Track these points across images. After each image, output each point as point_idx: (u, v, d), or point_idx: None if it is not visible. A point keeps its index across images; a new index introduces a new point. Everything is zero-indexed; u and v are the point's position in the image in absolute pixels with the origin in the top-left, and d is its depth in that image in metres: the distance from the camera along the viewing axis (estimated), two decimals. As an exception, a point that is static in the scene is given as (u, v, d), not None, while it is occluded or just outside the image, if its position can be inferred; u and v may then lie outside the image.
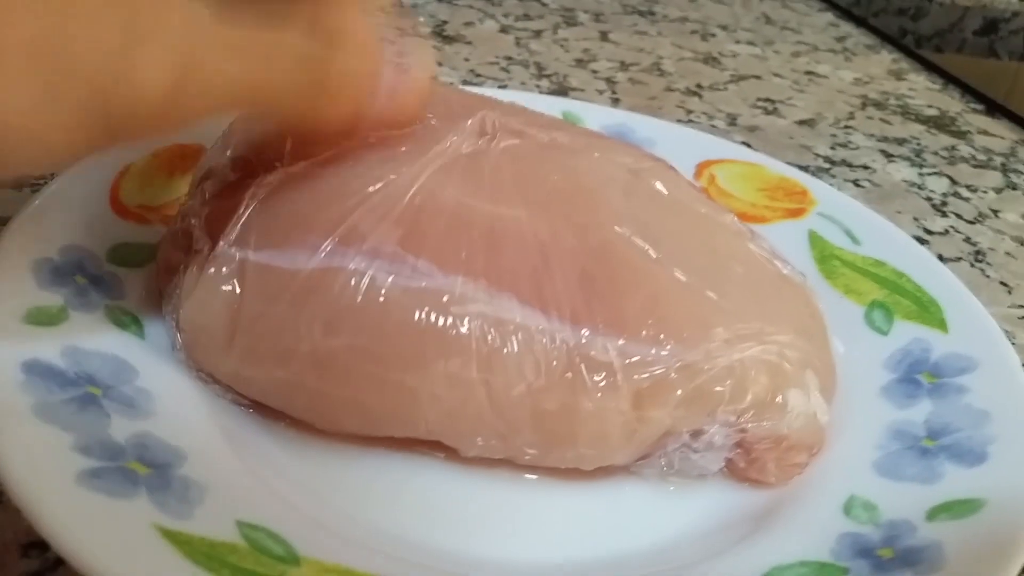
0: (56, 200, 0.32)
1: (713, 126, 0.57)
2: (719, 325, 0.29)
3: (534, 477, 0.30)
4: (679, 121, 0.56)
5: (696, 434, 0.29)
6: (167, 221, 0.33)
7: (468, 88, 0.44)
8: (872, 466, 0.30)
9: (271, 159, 0.30)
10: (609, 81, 0.60)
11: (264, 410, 0.29)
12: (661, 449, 0.29)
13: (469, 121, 0.32)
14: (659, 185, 0.33)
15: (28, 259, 0.29)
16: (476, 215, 0.29)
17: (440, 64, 0.57)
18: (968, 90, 0.67)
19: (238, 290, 0.28)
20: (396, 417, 0.29)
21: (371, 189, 0.29)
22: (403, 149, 0.30)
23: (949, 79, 0.69)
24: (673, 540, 0.28)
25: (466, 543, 0.27)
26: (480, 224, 0.29)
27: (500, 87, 0.56)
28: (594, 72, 0.61)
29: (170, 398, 0.28)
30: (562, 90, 0.58)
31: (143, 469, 0.24)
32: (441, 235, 0.29)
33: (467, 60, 0.59)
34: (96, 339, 0.28)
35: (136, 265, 0.32)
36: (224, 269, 0.28)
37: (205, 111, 0.22)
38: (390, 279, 0.28)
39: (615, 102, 0.58)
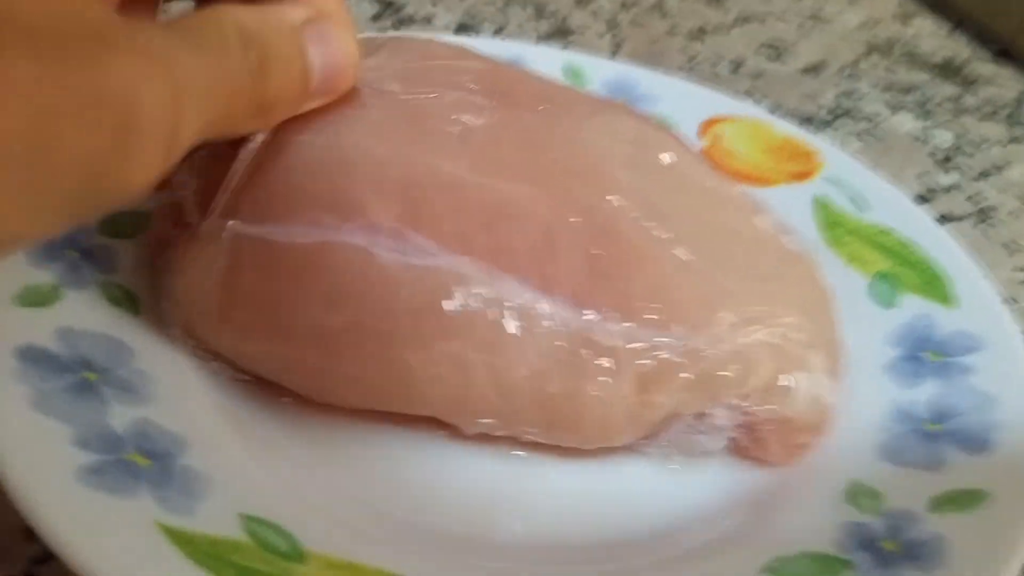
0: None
1: (716, 73, 0.55)
2: (725, 308, 0.29)
3: (535, 455, 0.29)
4: (681, 69, 0.55)
5: (700, 416, 0.29)
6: (159, 189, 0.32)
7: (464, 39, 0.43)
8: (875, 449, 0.30)
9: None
10: (610, 23, 0.58)
11: (263, 384, 0.29)
12: (664, 430, 0.29)
13: (467, 87, 0.31)
14: (664, 156, 0.32)
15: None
16: (477, 190, 0.29)
17: (434, 5, 0.55)
18: (976, 34, 0.65)
19: (232, 264, 0.27)
20: (398, 395, 0.28)
21: (366, 160, 0.28)
22: (398, 116, 0.29)
23: (957, 22, 0.67)
24: (674, 524, 0.28)
25: (471, 527, 0.27)
26: (481, 200, 0.28)
27: (497, 30, 0.55)
28: (594, 13, 0.59)
29: (168, 379, 0.27)
30: (561, 32, 0.56)
31: (144, 461, 0.24)
32: (441, 211, 0.28)
33: (462, 1, 0.57)
34: (90, 319, 0.27)
35: (127, 236, 0.31)
36: (217, 243, 0.28)
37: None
38: (391, 256, 0.27)
39: (616, 46, 0.56)
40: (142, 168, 0.19)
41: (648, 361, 0.27)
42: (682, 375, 0.28)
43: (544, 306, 0.27)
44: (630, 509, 0.29)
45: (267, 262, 0.27)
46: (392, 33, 0.53)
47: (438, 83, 0.31)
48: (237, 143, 0.28)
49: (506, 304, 0.27)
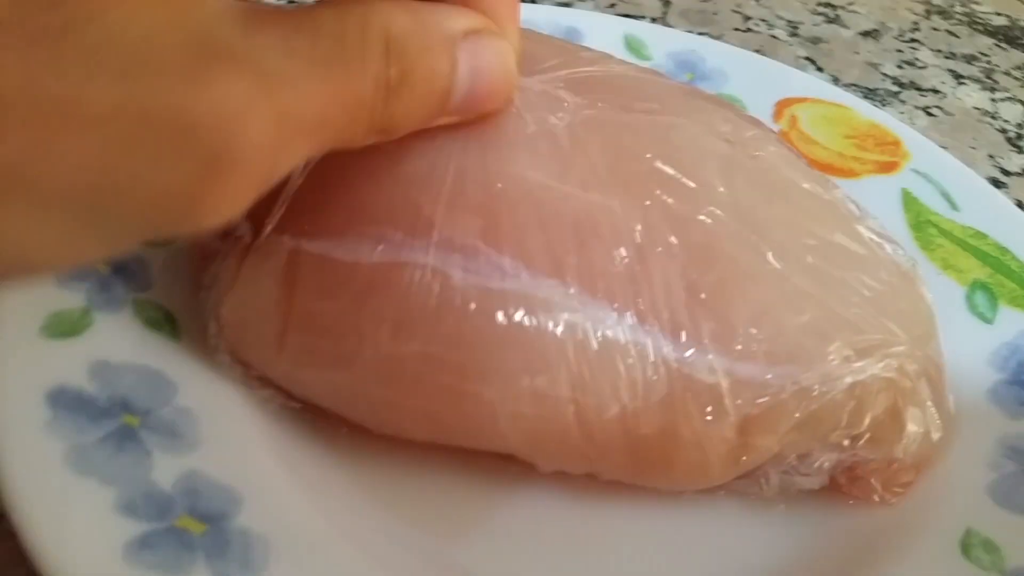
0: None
1: (773, 36, 0.51)
2: (836, 339, 0.26)
3: (614, 494, 0.27)
4: (736, 30, 0.51)
5: (803, 457, 0.26)
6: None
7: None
8: (987, 491, 0.27)
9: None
10: (657, -22, 0.54)
11: (318, 413, 0.26)
12: (761, 470, 0.26)
13: (546, 83, 0.27)
14: (761, 158, 0.29)
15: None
16: (563, 203, 0.25)
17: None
18: (1037, -7, 0.61)
19: (290, 284, 0.24)
20: (471, 432, 0.25)
21: (440, 170, 0.25)
22: (486, 125, 0.25)
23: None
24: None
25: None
26: (569, 214, 0.25)
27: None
28: (640, -34, 0.55)
29: (214, 418, 0.24)
30: (606, -11, 0.52)
31: (197, 527, 0.21)
32: (525, 227, 0.25)
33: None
34: (126, 348, 0.24)
35: (161, 244, 0.27)
36: (272, 259, 0.25)
37: None
38: (468, 278, 0.24)
39: (666, 3, 0.52)
40: (227, 203, 0.16)
41: (755, 401, 0.25)
42: (791, 416, 0.25)
43: (639, 337, 0.24)
44: (708, 557, 0.26)
45: (328, 282, 0.24)
46: None
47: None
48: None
49: (597, 335, 0.24)
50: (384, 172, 0.25)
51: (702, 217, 0.26)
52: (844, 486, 0.27)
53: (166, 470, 0.22)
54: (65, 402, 0.22)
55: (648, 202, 0.26)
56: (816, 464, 0.26)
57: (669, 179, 0.26)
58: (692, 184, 0.27)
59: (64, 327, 0.23)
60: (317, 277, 0.24)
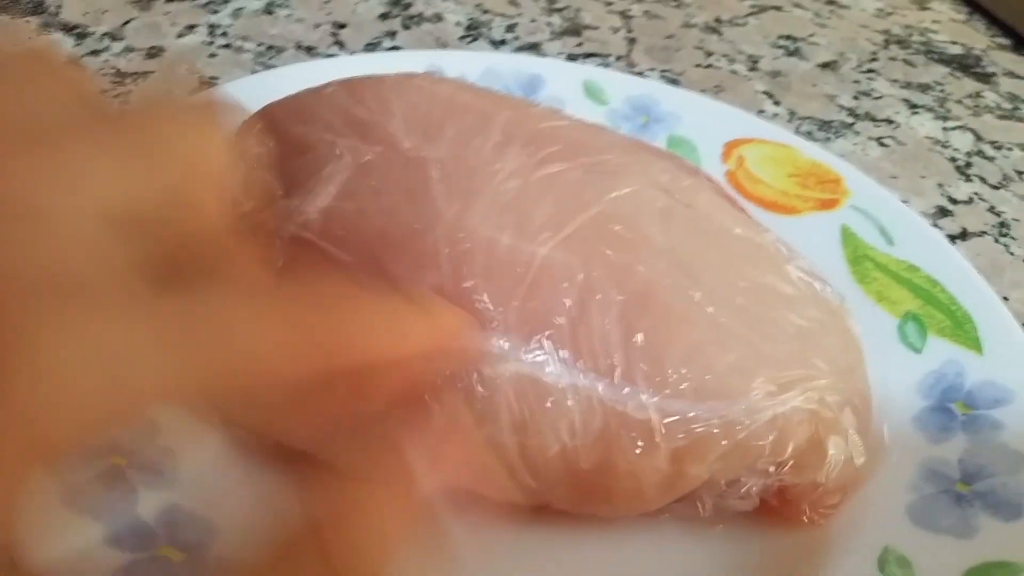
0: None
1: (733, 72, 0.54)
2: (761, 374, 0.28)
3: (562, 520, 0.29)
4: (698, 66, 0.54)
5: (733, 483, 0.29)
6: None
7: (487, 54, 0.41)
8: (906, 512, 0.29)
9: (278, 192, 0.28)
10: (624, 15, 0.57)
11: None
12: (695, 495, 0.29)
13: (494, 137, 0.30)
14: (697, 206, 0.31)
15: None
16: (516, 258, 0.28)
17: (444, 1, 0.53)
18: (994, 21, 0.64)
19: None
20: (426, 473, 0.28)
21: (404, 229, 0.27)
22: (446, 181, 0.28)
23: (974, 7, 0.65)
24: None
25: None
26: (519, 268, 0.28)
27: (509, 27, 0.53)
28: (608, 4, 0.57)
29: (192, 455, 0.27)
30: (575, 28, 0.54)
31: (177, 555, 0.24)
32: (481, 283, 0.27)
33: (472, -7, 0.55)
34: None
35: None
36: None
37: None
38: None
39: (631, 42, 0.54)
40: None
41: (683, 434, 0.27)
42: (718, 447, 0.27)
43: (577, 379, 0.27)
44: (661, 573, 0.29)
45: None
46: (402, 34, 0.51)
47: (465, 134, 0.30)
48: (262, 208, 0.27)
49: (538, 382, 0.27)
50: (353, 234, 0.27)
51: (639, 266, 0.29)
52: (776, 508, 0.30)
53: (149, 505, 0.24)
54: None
55: (590, 251, 0.28)
56: (745, 488, 0.29)
57: (611, 228, 0.29)
58: (631, 235, 0.29)
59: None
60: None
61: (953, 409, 0.32)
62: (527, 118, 0.32)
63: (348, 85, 0.31)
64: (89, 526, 0.23)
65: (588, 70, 0.43)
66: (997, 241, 0.46)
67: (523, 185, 0.29)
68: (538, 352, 0.27)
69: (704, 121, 0.41)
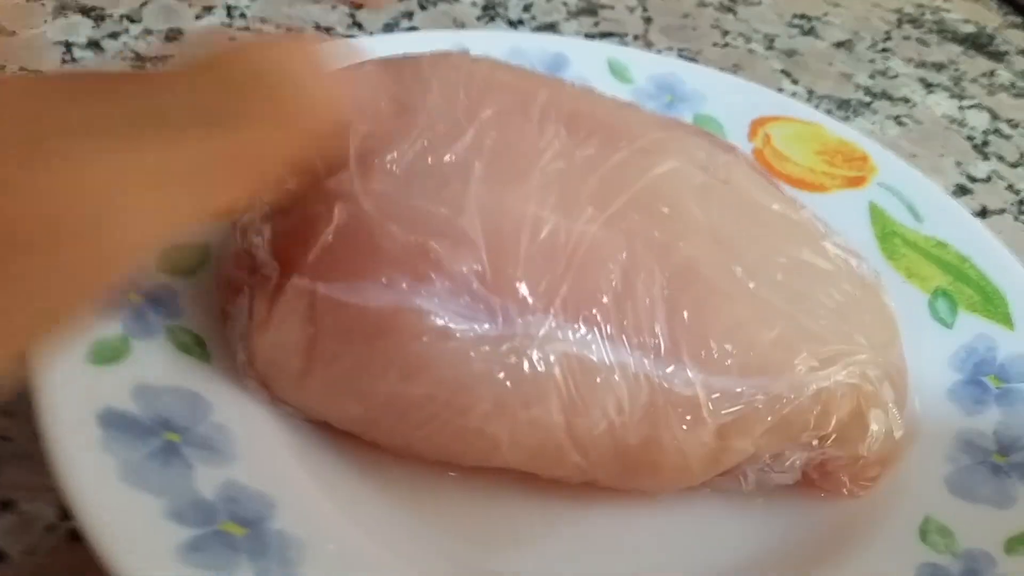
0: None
1: (751, 50, 0.54)
2: (803, 350, 0.28)
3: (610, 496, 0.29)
4: (715, 45, 0.54)
5: (776, 457, 0.29)
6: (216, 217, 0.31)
7: (510, 33, 0.41)
8: (944, 482, 0.30)
9: (336, 164, 0.28)
10: (639, -7, 0.57)
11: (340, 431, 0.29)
12: (739, 468, 0.29)
13: (549, 125, 0.30)
14: (734, 183, 0.32)
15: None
16: (561, 238, 0.28)
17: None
18: (1006, 0, 0.64)
19: (312, 325, 0.26)
20: (477, 457, 0.28)
21: (448, 210, 0.27)
22: (488, 161, 0.28)
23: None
24: (742, 563, 0.29)
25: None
26: (564, 248, 0.28)
27: (526, 7, 0.53)
28: (623, -17, 0.57)
29: (246, 431, 0.27)
30: (591, 8, 0.54)
31: (239, 530, 0.24)
32: (526, 264, 0.27)
33: (488, -29, 0.55)
34: (163, 372, 0.27)
35: (188, 272, 0.30)
36: (297, 303, 0.26)
37: None
38: (465, 325, 0.26)
39: (647, 21, 0.54)
40: None
41: (729, 410, 0.27)
42: (764, 422, 0.28)
43: (623, 357, 0.27)
44: (698, 547, 0.29)
45: (342, 325, 0.26)
46: (419, 15, 0.51)
47: (512, 108, 0.30)
48: (317, 182, 0.27)
49: (585, 360, 0.27)
50: (398, 212, 0.27)
51: (681, 243, 0.29)
52: (816, 481, 0.30)
53: (207, 481, 0.25)
54: (113, 422, 0.24)
55: (632, 230, 0.29)
56: (788, 462, 0.29)
57: (651, 207, 0.29)
58: (672, 210, 0.29)
59: (107, 354, 0.26)
60: (334, 320, 0.26)
61: (986, 382, 0.33)
62: (564, 97, 0.32)
63: (385, 63, 0.31)
64: (150, 502, 0.23)
65: (612, 48, 0.43)
66: (1016, 219, 0.46)
67: (566, 164, 0.29)
68: (584, 331, 0.27)
69: (729, 99, 0.41)
